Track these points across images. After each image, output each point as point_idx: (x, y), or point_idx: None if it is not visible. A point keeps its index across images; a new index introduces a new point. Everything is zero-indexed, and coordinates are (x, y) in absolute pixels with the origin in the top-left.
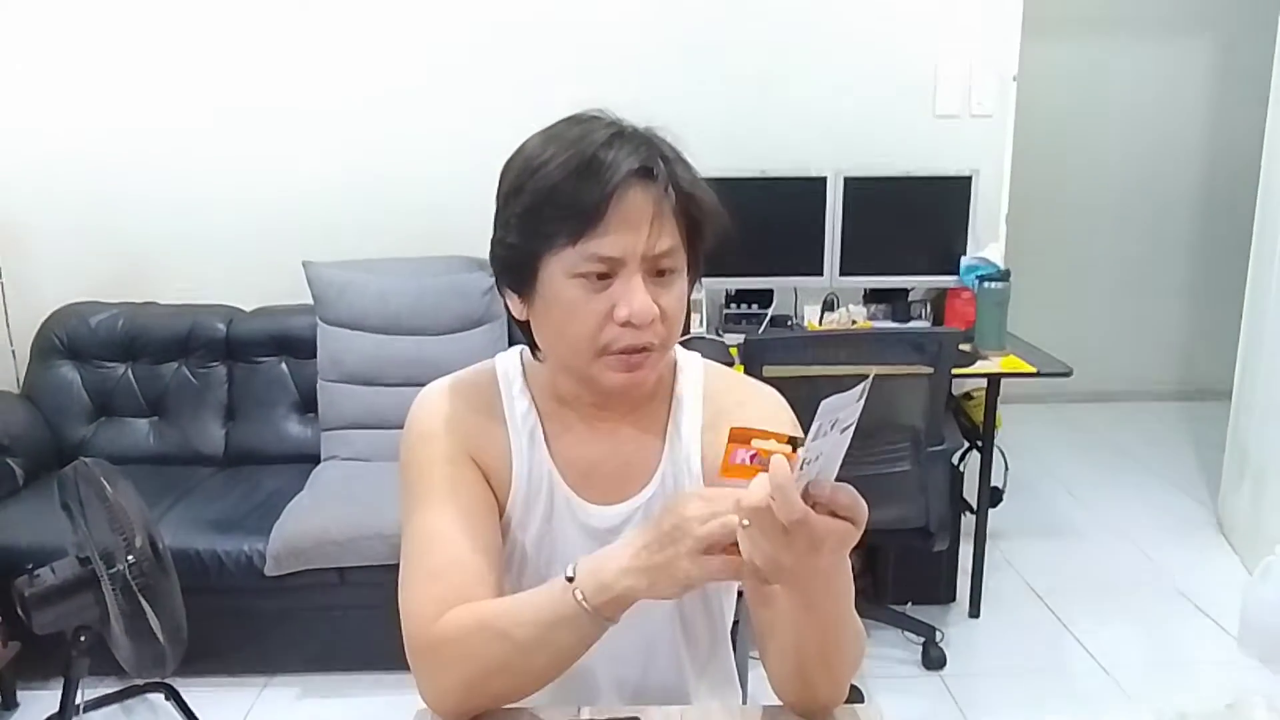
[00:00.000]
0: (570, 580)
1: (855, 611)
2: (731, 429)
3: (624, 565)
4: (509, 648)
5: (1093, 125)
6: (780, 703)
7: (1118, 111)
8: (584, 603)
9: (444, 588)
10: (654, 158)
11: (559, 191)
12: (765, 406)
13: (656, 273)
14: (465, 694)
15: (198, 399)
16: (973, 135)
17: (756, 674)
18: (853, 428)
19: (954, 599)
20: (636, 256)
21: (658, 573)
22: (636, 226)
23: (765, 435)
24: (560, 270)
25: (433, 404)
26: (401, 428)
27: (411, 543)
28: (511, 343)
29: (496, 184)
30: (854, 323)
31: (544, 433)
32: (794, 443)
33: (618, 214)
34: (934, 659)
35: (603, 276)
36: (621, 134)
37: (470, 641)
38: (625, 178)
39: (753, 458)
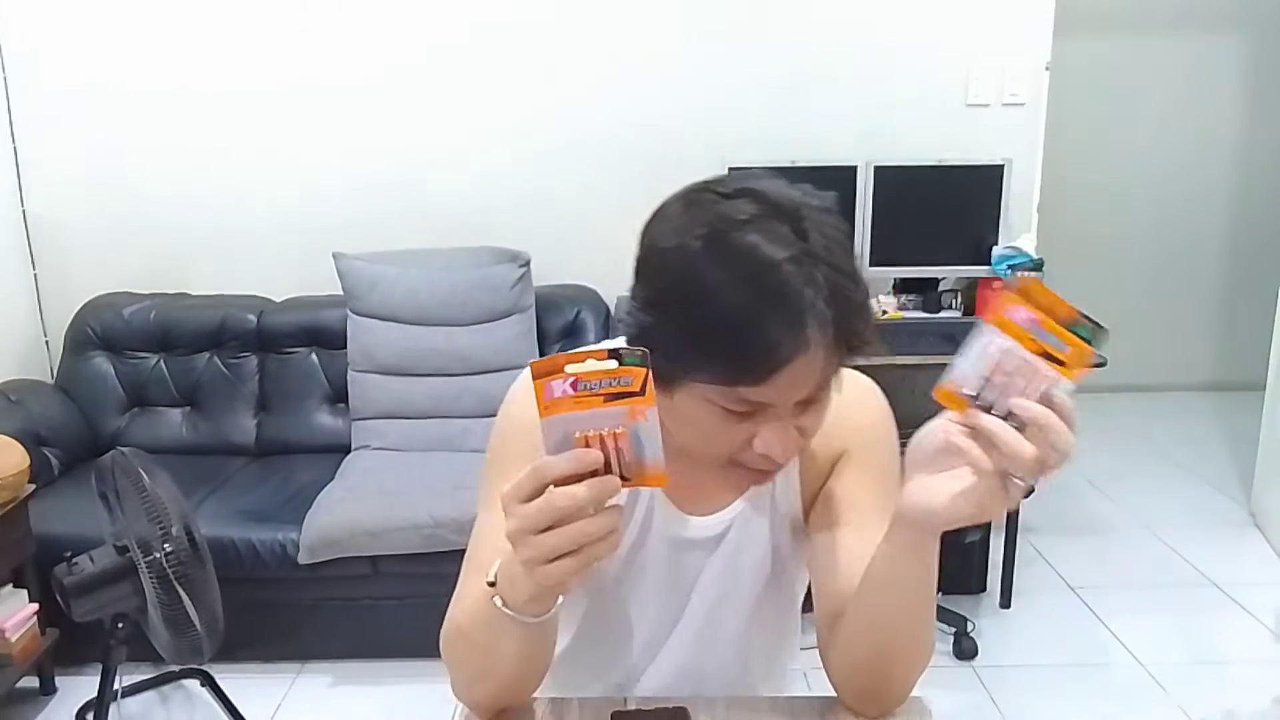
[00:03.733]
0: (492, 585)
1: (934, 612)
2: (532, 363)
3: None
4: (476, 651)
5: (1126, 116)
6: (833, 695)
7: (1152, 103)
8: (503, 608)
9: (472, 588)
10: (844, 318)
11: (725, 333)
12: (860, 396)
13: (808, 403)
14: (466, 691)
15: (230, 390)
16: (1005, 124)
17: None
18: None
19: (984, 590)
20: (790, 405)
21: (523, 566)
22: (803, 382)
23: (576, 358)
24: (701, 394)
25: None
26: (432, 417)
27: (472, 537)
28: (541, 335)
29: (640, 240)
30: (884, 313)
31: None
32: (615, 356)
33: (787, 373)
34: (966, 650)
35: (747, 415)
36: (813, 256)
37: (454, 643)
38: (811, 344)
39: (574, 385)
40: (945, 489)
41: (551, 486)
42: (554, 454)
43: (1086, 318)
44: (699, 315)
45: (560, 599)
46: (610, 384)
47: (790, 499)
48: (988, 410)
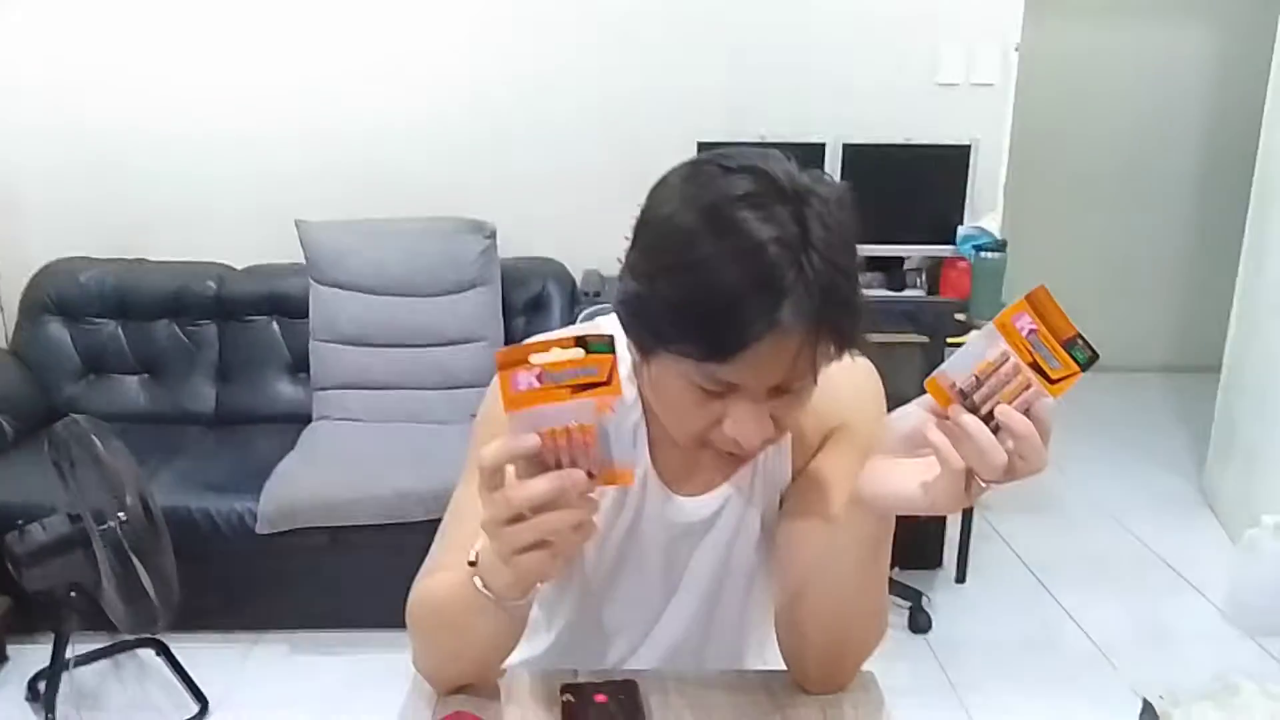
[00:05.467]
0: (472, 564)
1: (887, 593)
2: (497, 353)
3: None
4: (449, 629)
5: (1093, 98)
6: (784, 669)
7: (1119, 86)
8: (483, 589)
9: (445, 560)
10: (828, 309)
11: (701, 306)
12: (854, 376)
13: (783, 391)
14: (433, 667)
15: (188, 358)
16: (973, 105)
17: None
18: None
19: (940, 564)
20: (762, 389)
21: (498, 554)
22: (774, 366)
23: (542, 346)
24: (676, 368)
25: None
26: (394, 389)
27: (449, 508)
28: (506, 307)
29: (642, 209)
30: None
31: (649, 433)
32: (582, 343)
33: (757, 354)
34: (920, 623)
35: (718, 394)
36: (805, 243)
37: (424, 617)
38: (784, 330)
39: (540, 376)
40: (906, 476)
41: (510, 472)
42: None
43: (1084, 340)
44: (679, 286)
45: (540, 585)
46: (577, 374)
47: (782, 478)
48: (973, 410)
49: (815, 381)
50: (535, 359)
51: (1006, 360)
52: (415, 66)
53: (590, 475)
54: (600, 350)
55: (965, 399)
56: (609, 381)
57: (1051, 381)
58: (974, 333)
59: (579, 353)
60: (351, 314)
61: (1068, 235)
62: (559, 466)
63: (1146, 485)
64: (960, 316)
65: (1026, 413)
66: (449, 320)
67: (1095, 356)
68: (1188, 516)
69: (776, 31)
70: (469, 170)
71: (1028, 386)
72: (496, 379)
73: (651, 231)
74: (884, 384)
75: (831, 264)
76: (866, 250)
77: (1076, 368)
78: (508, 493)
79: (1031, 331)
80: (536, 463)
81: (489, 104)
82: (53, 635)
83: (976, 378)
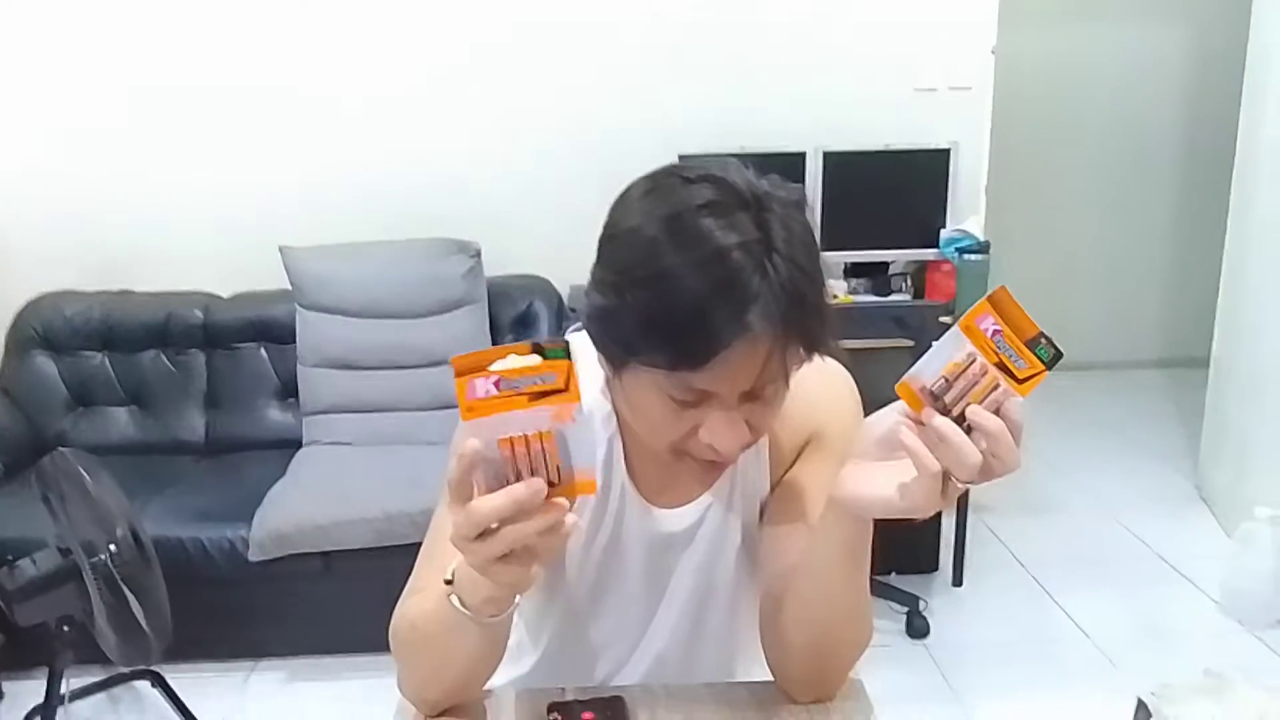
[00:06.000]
0: (449, 583)
1: (870, 599)
2: (454, 359)
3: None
4: (429, 648)
5: (1072, 99)
6: (770, 679)
7: (1096, 85)
8: (460, 608)
9: (425, 581)
10: (795, 312)
11: (670, 316)
12: (830, 382)
13: (755, 397)
14: (415, 687)
15: (177, 387)
16: (952, 108)
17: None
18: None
19: (936, 568)
20: (735, 395)
21: (473, 568)
22: (745, 372)
23: (499, 353)
24: (648, 379)
25: None
26: (383, 411)
27: (429, 529)
28: (493, 326)
29: (606, 221)
30: (835, 297)
31: (624, 447)
32: (539, 350)
33: (727, 361)
34: (918, 628)
35: (691, 404)
36: (768, 247)
37: (405, 638)
38: (753, 335)
39: (497, 384)
40: (882, 479)
41: (476, 492)
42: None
43: (1046, 339)
44: (647, 297)
45: (518, 599)
46: (534, 382)
47: (760, 486)
48: (944, 412)
49: (787, 385)
50: (494, 366)
51: (973, 361)
52: (396, 89)
53: (551, 484)
54: (557, 356)
55: (936, 401)
56: (567, 388)
57: (1019, 381)
58: (941, 336)
59: (536, 359)
60: (339, 338)
61: (1051, 235)
62: (519, 476)
63: (1141, 481)
64: (946, 319)
65: (997, 412)
66: (436, 341)
67: (1059, 355)
68: (1182, 511)
69: (755, 42)
70: (453, 190)
71: (996, 386)
72: None
73: (616, 245)
74: (871, 389)
75: (795, 266)
76: (851, 256)
77: (1042, 366)
78: (470, 506)
79: (996, 332)
80: (498, 474)
81: (471, 124)
82: (47, 671)
83: (945, 379)
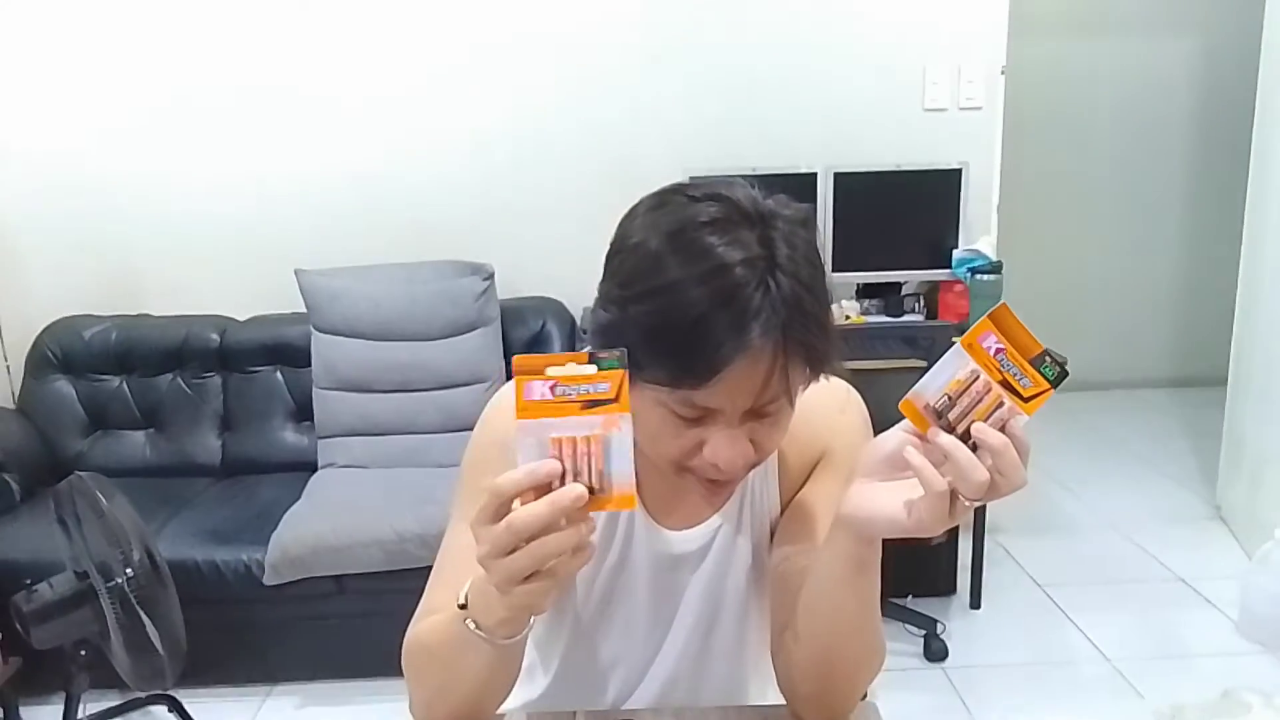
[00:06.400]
0: (463, 607)
1: (880, 618)
2: (516, 358)
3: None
4: (441, 668)
5: (1082, 116)
6: (781, 702)
7: (1106, 102)
8: (475, 630)
9: (437, 603)
10: (797, 327)
11: (673, 332)
12: (838, 402)
13: (759, 415)
14: (425, 709)
15: (193, 410)
16: (962, 128)
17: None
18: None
19: (954, 591)
20: (737, 412)
21: (495, 589)
22: (747, 388)
23: (558, 359)
24: (652, 396)
25: (509, 409)
26: (397, 433)
27: (441, 549)
28: (507, 347)
29: (613, 238)
30: (847, 318)
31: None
32: (595, 360)
33: (729, 377)
34: (935, 651)
35: (695, 420)
36: (771, 263)
37: (417, 659)
38: (755, 350)
39: (553, 388)
40: (889, 498)
41: (516, 503)
42: (527, 457)
43: (1051, 356)
44: (651, 313)
45: (532, 621)
46: (587, 390)
47: (771, 507)
48: (948, 429)
49: (791, 404)
50: (551, 371)
51: (976, 378)
52: (409, 111)
53: (591, 491)
54: (610, 366)
55: (940, 418)
56: (618, 399)
57: (1024, 399)
58: (944, 355)
59: (592, 369)
60: (353, 360)
61: (1064, 254)
62: (561, 483)
63: (1158, 501)
64: (959, 339)
65: (1002, 429)
66: (450, 362)
67: (1065, 373)
68: (1200, 531)
69: (765, 62)
70: (466, 213)
71: (1000, 404)
72: (475, 429)
73: (621, 260)
74: (884, 410)
75: (798, 283)
76: (864, 278)
77: (1048, 385)
78: (511, 520)
79: (999, 351)
80: (539, 488)
81: (483, 146)
82: (63, 695)
83: (949, 396)
